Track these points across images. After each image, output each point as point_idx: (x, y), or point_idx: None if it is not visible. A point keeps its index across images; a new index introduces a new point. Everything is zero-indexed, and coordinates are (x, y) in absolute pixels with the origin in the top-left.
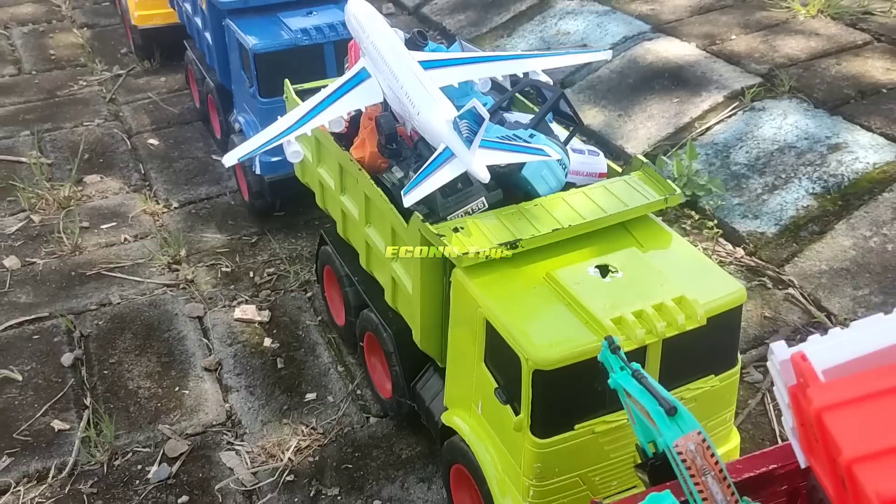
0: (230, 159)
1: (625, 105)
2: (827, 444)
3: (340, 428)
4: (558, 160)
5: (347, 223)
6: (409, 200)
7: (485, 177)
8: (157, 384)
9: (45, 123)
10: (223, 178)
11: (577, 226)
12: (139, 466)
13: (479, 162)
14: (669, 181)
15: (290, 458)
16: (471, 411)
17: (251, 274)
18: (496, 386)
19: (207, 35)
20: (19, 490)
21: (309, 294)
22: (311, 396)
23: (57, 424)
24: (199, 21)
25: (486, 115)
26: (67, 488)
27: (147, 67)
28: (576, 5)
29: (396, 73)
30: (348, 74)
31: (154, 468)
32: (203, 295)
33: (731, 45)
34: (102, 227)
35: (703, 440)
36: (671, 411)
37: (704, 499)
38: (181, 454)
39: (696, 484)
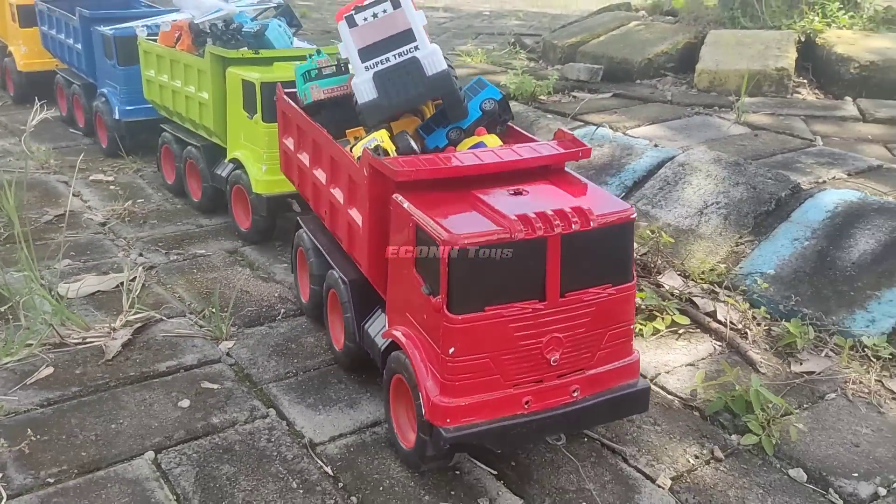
0: None
1: None
2: None
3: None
4: (285, 32)
5: (175, 98)
6: (197, 19)
7: (235, 13)
8: (39, 200)
9: None
10: (80, 140)
11: (287, 51)
12: None
13: (229, 8)
14: None
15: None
16: (241, 144)
17: (101, 168)
18: (247, 114)
19: (78, 45)
20: None
21: (141, 174)
22: (140, 202)
23: None
24: (70, 40)
25: None
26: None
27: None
28: None
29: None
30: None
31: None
32: (66, 175)
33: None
34: None
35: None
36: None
37: None
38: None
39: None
